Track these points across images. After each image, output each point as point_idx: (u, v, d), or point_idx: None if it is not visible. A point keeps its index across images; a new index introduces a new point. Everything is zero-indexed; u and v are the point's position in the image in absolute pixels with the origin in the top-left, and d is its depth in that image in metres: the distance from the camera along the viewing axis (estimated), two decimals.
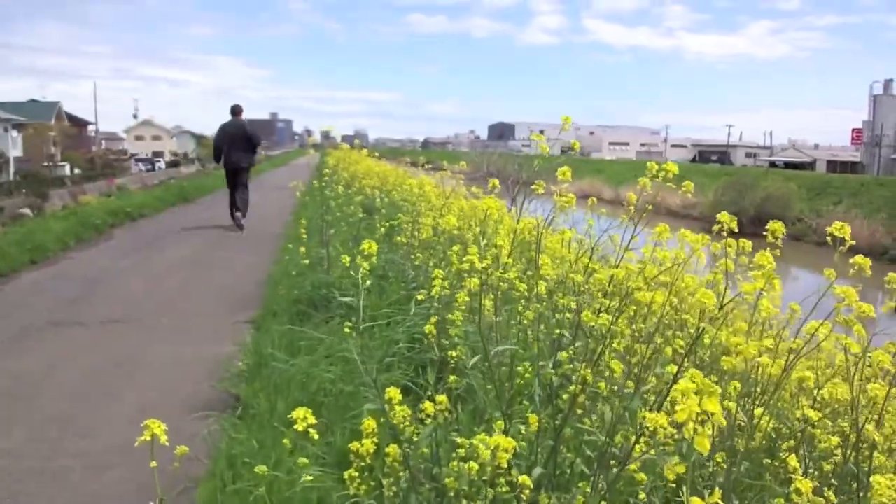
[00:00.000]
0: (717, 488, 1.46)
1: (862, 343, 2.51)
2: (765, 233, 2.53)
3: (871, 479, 1.90)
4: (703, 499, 1.56)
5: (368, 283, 2.85)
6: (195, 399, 6.01)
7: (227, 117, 16.84)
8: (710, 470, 2.69)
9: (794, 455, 2.28)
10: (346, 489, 3.33)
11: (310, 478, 3.26)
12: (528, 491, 2.56)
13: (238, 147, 16.87)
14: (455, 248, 4.85)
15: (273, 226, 17.59)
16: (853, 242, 2.36)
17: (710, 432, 1.38)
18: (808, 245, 37.80)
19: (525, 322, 3.72)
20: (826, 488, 2.22)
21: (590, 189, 51.53)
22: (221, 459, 4.62)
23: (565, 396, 2.90)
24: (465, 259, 3.05)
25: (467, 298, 3.75)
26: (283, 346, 6.61)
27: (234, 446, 4.75)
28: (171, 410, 5.56)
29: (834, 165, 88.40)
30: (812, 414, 2.49)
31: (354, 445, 3.16)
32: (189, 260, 13.45)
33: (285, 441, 3.84)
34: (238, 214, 17.26)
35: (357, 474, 3.24)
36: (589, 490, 2.67)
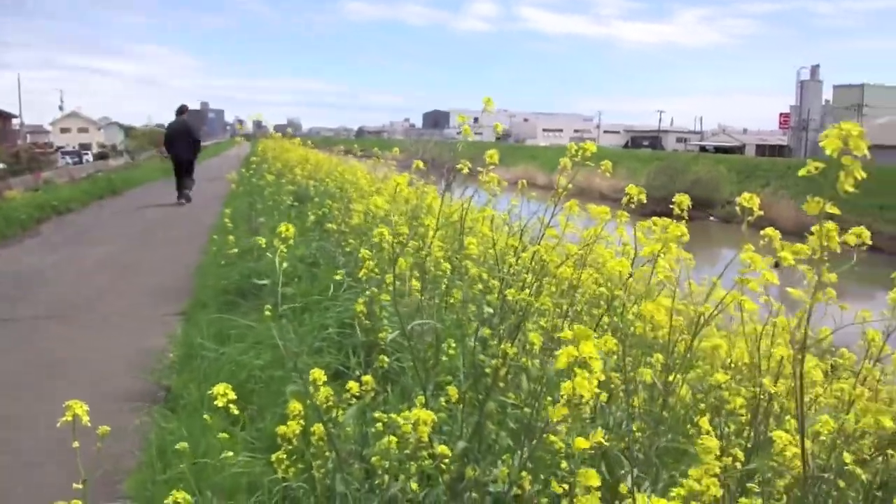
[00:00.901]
0: (599, 428, 1.51)
1: (777, 312, 2.60)
2: (675, 209, 2.60)
3: (773, 433, 1.97)
4: (622, 470, 1.62)
5: (285, 265, 2.85)
6: (126, 393, 5.92)
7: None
8: (635, 437, 2.75)
9: (705, 418, 2.35)
10: (275, 473, 3.34)
11: (230, 453, 3.25)
12: (447, 460, 2.60)
13: (181, 142, 20.38)
14: (383, 229, 4.84)
15: (205, 216, 17.35)
16: (761, 213, 2.44)
17: (589, 375, 1.43)
18: (737, 227, 38.50)
19: (453, 301, 3.75)
20: (736, 448, 2.30)
21: (524, 175, 51.58)
22: (152, 450, 4.57)
23: (489, 370, 2.95)
24: (376, 232, 3.07)
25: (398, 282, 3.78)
26: (213, 336, 6.56)
27: (165, 437, 4.70)
28: (103, 405, 5.45)
29: (763, 149, 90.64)
30: (721, 377, 2.57)
31: (281, 429, 3.16)
32: (117, 254, 13.19)
33: (206, 417, 3.82)
34: (185, 192, 21.03)
35: (285, 457, 3.24)
36: (512, 462, 2.71)
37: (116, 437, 2.59)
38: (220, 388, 2.80)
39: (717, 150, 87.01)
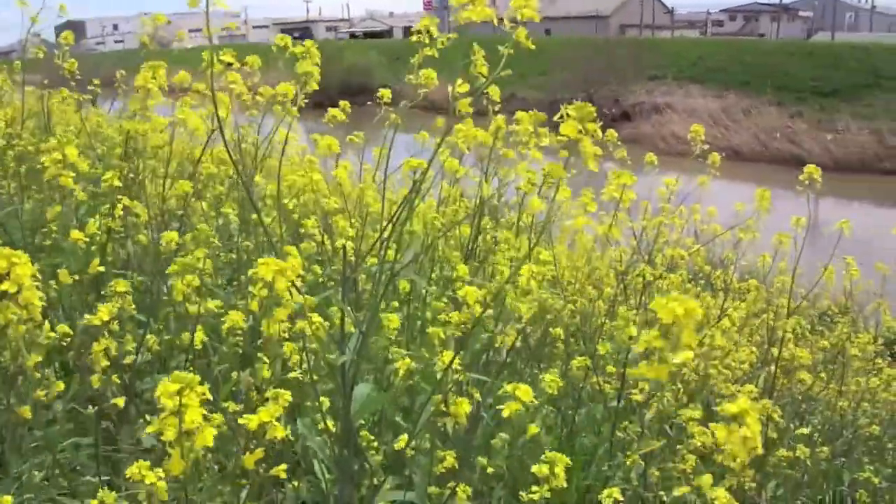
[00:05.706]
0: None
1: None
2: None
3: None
4: None
5: None
6: None
7: None
8: None
9: None
10: None
11: None
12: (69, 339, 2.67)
13: None
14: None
15: None
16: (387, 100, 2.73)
17: None
18: (396, 108, 40.02)
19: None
20: None
21: (180, 81, 49.84)
22: None
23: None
24: None
25: None
26: None
27: None
28: None
29: (409, 31, 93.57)
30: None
31: None
32: None
33: None
34: None
35: None
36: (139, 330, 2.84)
37: None
38: None
39: (367, 35, 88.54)
